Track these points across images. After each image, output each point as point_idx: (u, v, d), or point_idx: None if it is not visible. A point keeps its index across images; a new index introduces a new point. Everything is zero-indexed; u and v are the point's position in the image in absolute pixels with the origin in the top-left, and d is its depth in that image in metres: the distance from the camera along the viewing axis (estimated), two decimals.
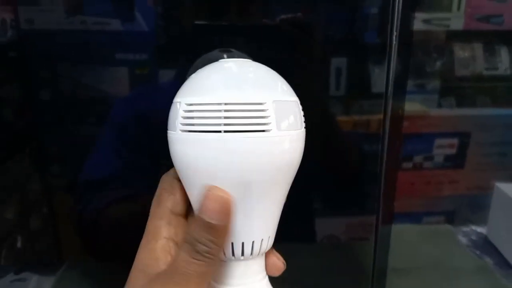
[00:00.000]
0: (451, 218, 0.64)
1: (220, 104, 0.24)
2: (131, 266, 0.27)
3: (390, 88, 0.45)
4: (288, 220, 0.30)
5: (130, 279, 0.27)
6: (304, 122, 0.28)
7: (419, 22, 0.55)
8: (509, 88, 0.62)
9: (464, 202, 0.64)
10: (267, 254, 0.30)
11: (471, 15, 0.56)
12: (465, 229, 0.65)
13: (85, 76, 0.45)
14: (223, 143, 0.24)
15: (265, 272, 0.30)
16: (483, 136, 0.61)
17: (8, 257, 0.51)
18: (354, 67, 0.47)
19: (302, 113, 0.28)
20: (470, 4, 0.56)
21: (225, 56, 0.42)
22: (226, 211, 0.25)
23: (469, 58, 0.60)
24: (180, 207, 0.29)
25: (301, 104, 0.28)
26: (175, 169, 0.29)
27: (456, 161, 0.62)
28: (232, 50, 0.42)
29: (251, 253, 0.27)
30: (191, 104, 0.25)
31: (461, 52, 0.60)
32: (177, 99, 0.27)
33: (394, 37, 0.43)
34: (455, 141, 0.61)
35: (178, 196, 0.29)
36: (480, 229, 0.65)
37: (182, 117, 0.25)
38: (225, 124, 0.24)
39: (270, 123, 0.25)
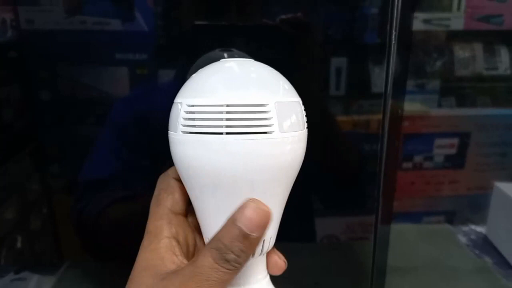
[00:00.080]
0: (451, 218, 0.64)
1: (222, 105, 0.24)
2: (131, 266, 0.27)
3: (390, 88, 0.45)
4: (288, 220, 0.30)
5: (133, 278, 0.27)
6: (306, 122, 0.28)
7: (419, 22, 0.55)
8: (509, 88, 0.62)
9: (463, 202, 0.64)
10: (268, 253, 0.30)
11: (471, 15, 0.56)
12: (464, 228, 0.65)
13: (85, 76, 0.45)
14: (224, 145, 0.24)
15: (266, 271, 0.30)
16: (483, 136, 0.61)
17: (8, 257, 0.51)
18: (353, 67, 0.47)
19: (304, 113, 0.28)
20: (470, 4, 0.56)
21: (225, 55, 0.42)
22: (265, 225, 0.25)
23: (469, 58, 0.60)
24: (179, 206, 0.29)
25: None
26: (172, 169, 0.29)
27: (456, 161, 0.62)
28: (233, 49, 0.42)
29: (253, 254, 0.27)
30: (192, 105, 0.25)
31: (461, 52, 0.60)
32: (178, 99, 0.27)
33: (393, 37, 0.43)
34: (455, 141, 0.61)
35: (177, 195, 0.29)
36: (480, 229, 0.65)
37: (183, 118, 0.25)
38: (227, 126, 0.24)
39: (273, 124, 0.25)
